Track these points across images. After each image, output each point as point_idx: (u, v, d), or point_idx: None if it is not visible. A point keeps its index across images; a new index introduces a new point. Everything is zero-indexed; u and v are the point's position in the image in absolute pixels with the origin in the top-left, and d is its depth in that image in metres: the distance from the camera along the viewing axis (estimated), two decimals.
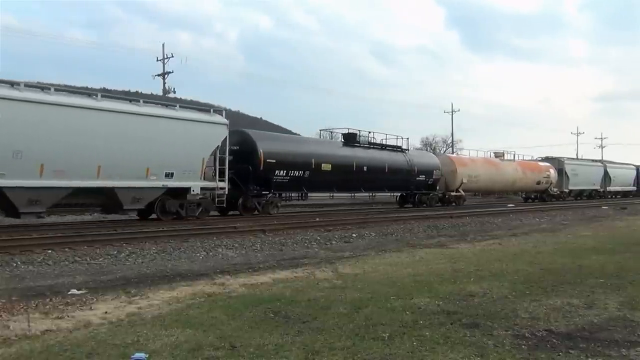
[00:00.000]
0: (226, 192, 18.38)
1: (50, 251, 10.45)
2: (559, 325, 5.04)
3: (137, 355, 3.96)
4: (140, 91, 57.91)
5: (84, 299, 6.24)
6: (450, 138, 67.18)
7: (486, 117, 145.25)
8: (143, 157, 15.61)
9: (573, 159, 48.85)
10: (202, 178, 17.49)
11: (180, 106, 17.61)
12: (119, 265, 9.32)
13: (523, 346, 4.38)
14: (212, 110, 18.69)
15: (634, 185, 54.39)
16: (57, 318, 5.29)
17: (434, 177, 30.28)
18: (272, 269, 8.77)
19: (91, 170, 14.48)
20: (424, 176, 29.53)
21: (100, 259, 9.87)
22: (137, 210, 16.70)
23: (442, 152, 55.81)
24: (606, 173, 48.37)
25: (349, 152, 25.16)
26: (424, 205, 29.55)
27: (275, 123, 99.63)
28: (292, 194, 24.12)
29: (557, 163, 42.25)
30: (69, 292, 6.68)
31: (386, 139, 29.15)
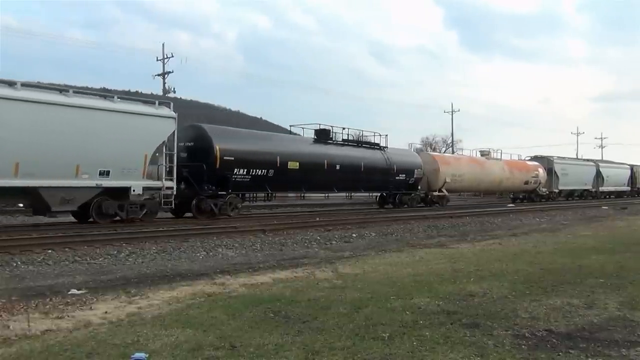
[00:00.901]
0: (174, 192, 16.76)
1: (50, 251, 10.44)
2: (559, 325, 5.04)
3: (137, 355, 3.96)
4: (140, 91, 58.13)
5: (84, 299, 6.24)
6: (450, 138, 67.36)
7: (486, 117, 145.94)
8: (71, 153, 14.14)
9: (563, 157, 46.67)
10: (145, 176, 15.94)
11: (119, 97, 16.08)
12: (119, 265, 9.32)
13: (523, 346, 4.38)
14: (157, 102, 17.00)
15: (627, 186, 52.85)
16: (57, 318, 5.29)
17: (415, 176, 28.65)
18: (272, 269, 8.77)
19: (7, 167, 12.97)
20: (404, 175, 27.91)
21: (100, 259, 9.88)
22: (72, 212, 15.39)
23: (442, 152, 55.76)
24: (598, 173, 46.92)
25: (320, 149, 23.58)
26: (405, 206, 28.04)
27: (275, 123, 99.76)
28: (258, 194, 22.02)
29: (546, 162, 40.85)
30: (69, 292, 6.68)
31: (362, 135, 28.14)
